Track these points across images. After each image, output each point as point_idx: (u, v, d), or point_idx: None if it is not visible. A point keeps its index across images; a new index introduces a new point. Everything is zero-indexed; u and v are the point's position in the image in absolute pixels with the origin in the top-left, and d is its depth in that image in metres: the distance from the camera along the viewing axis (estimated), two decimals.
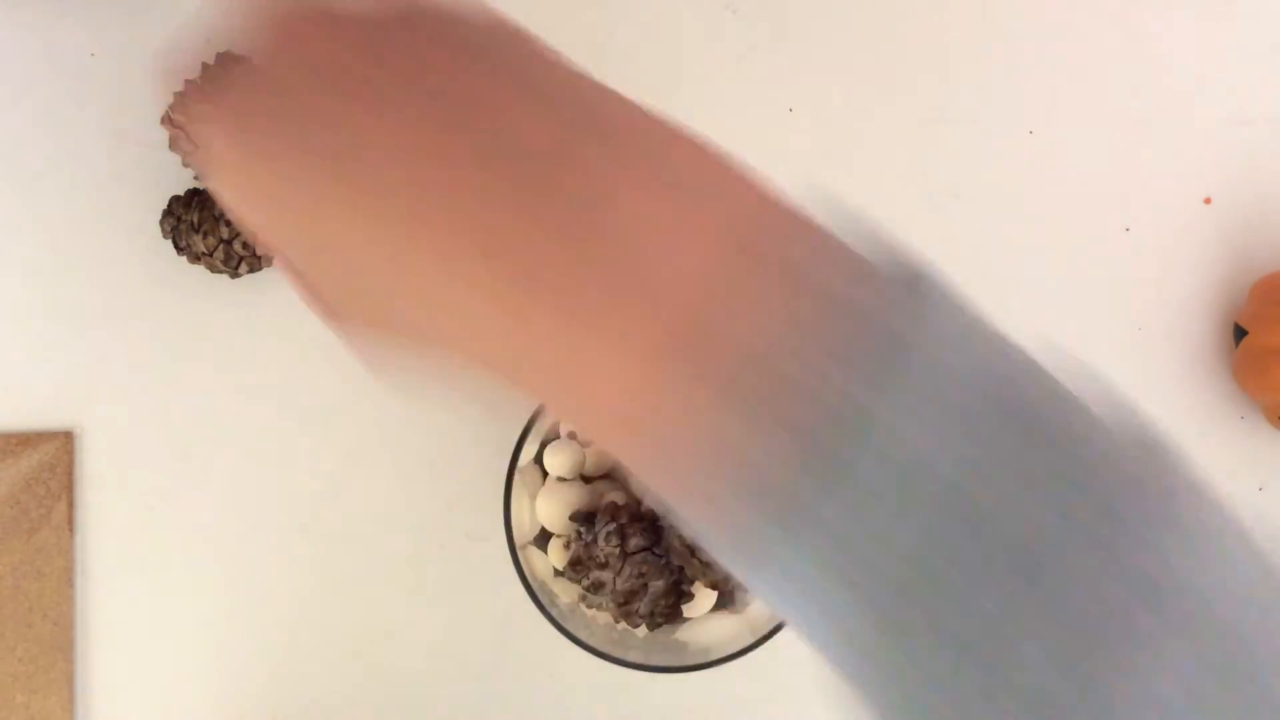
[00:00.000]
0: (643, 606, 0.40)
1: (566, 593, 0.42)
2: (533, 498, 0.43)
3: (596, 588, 0.40)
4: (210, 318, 0.47)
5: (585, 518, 0.41)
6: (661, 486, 0.21)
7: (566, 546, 0.41)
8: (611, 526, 0.39)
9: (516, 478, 0.40)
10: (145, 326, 0.47)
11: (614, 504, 0.41)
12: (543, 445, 0.43)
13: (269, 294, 0.47)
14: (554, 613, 0.39)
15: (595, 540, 0.40)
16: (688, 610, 0.42)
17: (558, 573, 0.43)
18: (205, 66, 0.34)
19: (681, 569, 0.40)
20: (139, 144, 0.47)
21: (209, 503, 0.46)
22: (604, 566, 0.39)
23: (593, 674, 0.46)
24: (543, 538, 0.44)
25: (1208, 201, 0.48)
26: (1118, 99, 0.48)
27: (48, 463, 0.45)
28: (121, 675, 0.46)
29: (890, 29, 0.48)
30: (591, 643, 0.39)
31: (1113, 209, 0.48)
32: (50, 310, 0.46)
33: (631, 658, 0.40)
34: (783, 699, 0.47)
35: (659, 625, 0.41)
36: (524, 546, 0.41)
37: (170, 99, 0.42)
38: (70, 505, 0.46)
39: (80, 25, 0.47)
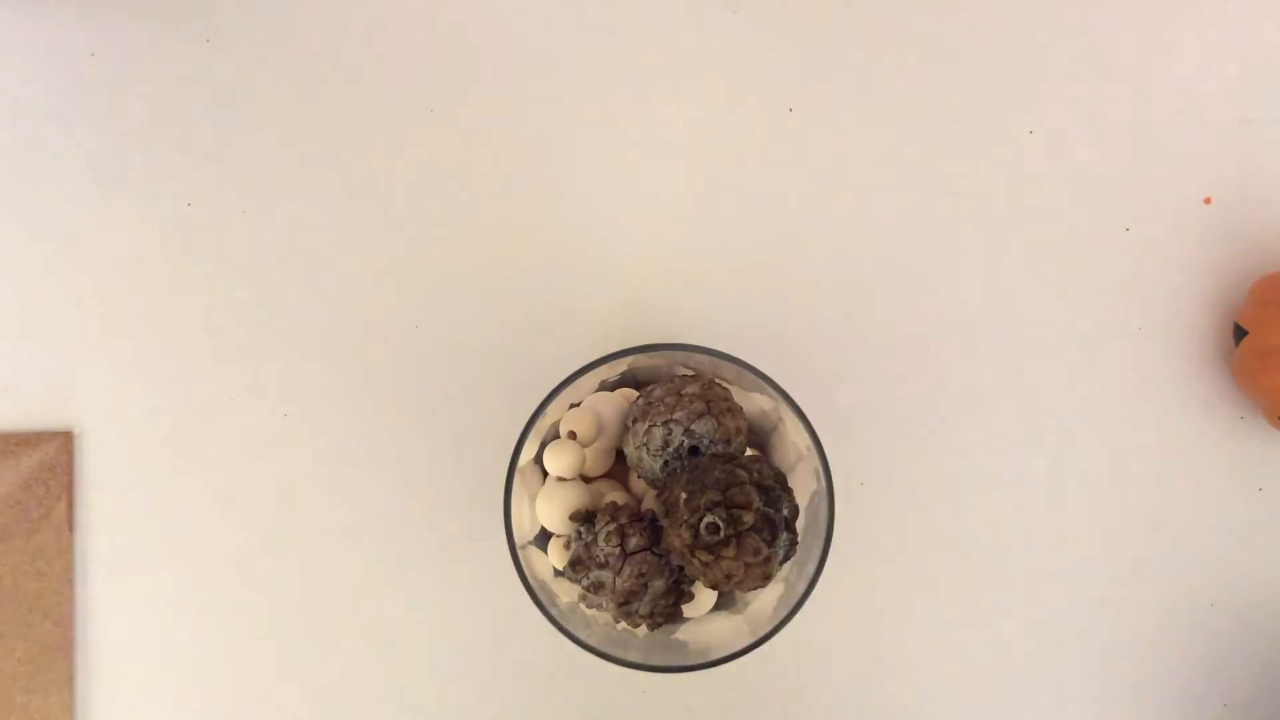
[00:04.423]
0: (643, 607, 0.40)
1: (566, 593, 0.42)
2: (533, 498, 0.43)
3: (596, 588, 0.40)
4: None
5: (585, 517, 0.41)
6: None
7: (567, 546, 0.41)
8: (611, 526, 0.39)
9: (516, 478, 0.40)
10: (145, 326, 0.47)
11: (614, 504, 0.41)
12: (543, 445, 0.42)
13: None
14: (554, 613, 0.39)
15: (595, 540, 0.40)
16: (688, 610, 0.42)
17: (558, 573, 0.43)
18: None
19: (681, 569, 0.40)
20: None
21: (209, 503, 0.46)
22: (604, 566, 0.39)
23: (593, 674, 0.46)
24: (543, 537, 0.44)
25: (1208, 201, 0.48)
26: (1118, 99, 0.48)
27: (48, 463, 0.45)
28: (121, 675, 0.46)
29: (890, 29, 0.48)
30: (591, 643, 0.39)
31: (1113, 209, 0.48)
32: (50, 310, 0.46)
33: (631, 658, 0.40)
34: (783, 699, 0.47)
35: (659, 625, 0.41)
36: (524, 547, 0.41)
37: None
38: (70, 505, 0.46)
39: (80, 25, 0.47)
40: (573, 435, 0.42)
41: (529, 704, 0.47)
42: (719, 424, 0.40)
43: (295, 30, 0.47)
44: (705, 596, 0.42)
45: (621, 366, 0.42)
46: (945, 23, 0.48)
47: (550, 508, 0.42)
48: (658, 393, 0.40)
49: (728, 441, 0.40)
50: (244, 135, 0.47)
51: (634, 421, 0.41)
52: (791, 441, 0.42)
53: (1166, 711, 0.48)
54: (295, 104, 0.47)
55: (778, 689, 0.47)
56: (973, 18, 0.48)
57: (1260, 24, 0.48)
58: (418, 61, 0.47)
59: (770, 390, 0.39)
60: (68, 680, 0.45)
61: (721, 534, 0.37)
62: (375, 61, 0.47)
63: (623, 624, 0.41)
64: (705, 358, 0.40)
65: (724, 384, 0.42)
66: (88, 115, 0.47)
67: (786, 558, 0.38)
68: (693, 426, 0.39)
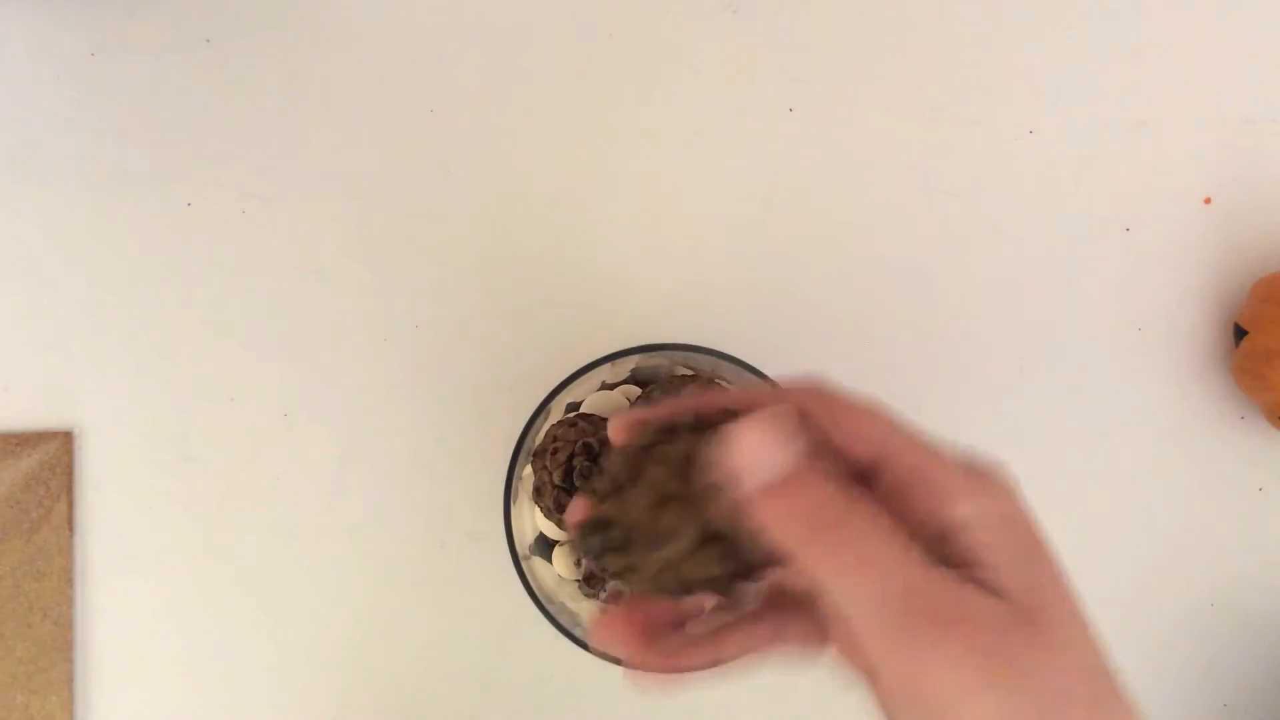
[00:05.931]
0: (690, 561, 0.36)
1: (568, 595, 0.42)
2: (531, 499, 0.43)
3: (626, 570, 0.34)
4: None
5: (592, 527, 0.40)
6: None
7: (577, 564, 0.42)
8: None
9: (517, 482, 0.40)
10: (145, 325, 0.47)
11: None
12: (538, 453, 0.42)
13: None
14: (551, 609, 0.39)
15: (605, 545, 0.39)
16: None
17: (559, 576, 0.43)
18: None
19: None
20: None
21: (209, 503, 0.46)
22: (619, 575, 0.39)
23: (593, 674, 0.46)
24: (542, 540, 0.44)
25: (1208, 201, 0.48)
26: (1118, 99, 0.48)
27: (48, 463, 0.45)
28: (121, 675, 0.46)
29: (890, 29, 0.48)
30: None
31: (1113, 209, 0.48)
32: (51, 311, 0.46)
33: None
34: (783, 699, 0.47)
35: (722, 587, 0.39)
36: (526, 558, 0.41)
37: None
38: (70, 505, 0.46)
39: (80, 25, 0.47)
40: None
41: (529, 704, 0.47)
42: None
43: (295, 30, 0.47)
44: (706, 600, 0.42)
45: (624, 366, 0.42)
46: (945, 23, 0.48)
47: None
48: (657, 393, 0.40)
49: None
50: (244, 135, 0.47)
51: None
52: None
53: (1167, 711, 0.48)
54: (295, 104, 0.47)
55: (778, 689, 0.47)
56: (973, 18, 0.48)
57: (1260, 24, 0.48)
58: (418, 61, 0.47)
59: None
60: (68, 680, 0.45)
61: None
62: (375, 61, 0.47)
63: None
64: (705, 358, 0.40)
65: (724, 384, 0.42)
66: (88, 115, 0.47)
67: None
68: None
